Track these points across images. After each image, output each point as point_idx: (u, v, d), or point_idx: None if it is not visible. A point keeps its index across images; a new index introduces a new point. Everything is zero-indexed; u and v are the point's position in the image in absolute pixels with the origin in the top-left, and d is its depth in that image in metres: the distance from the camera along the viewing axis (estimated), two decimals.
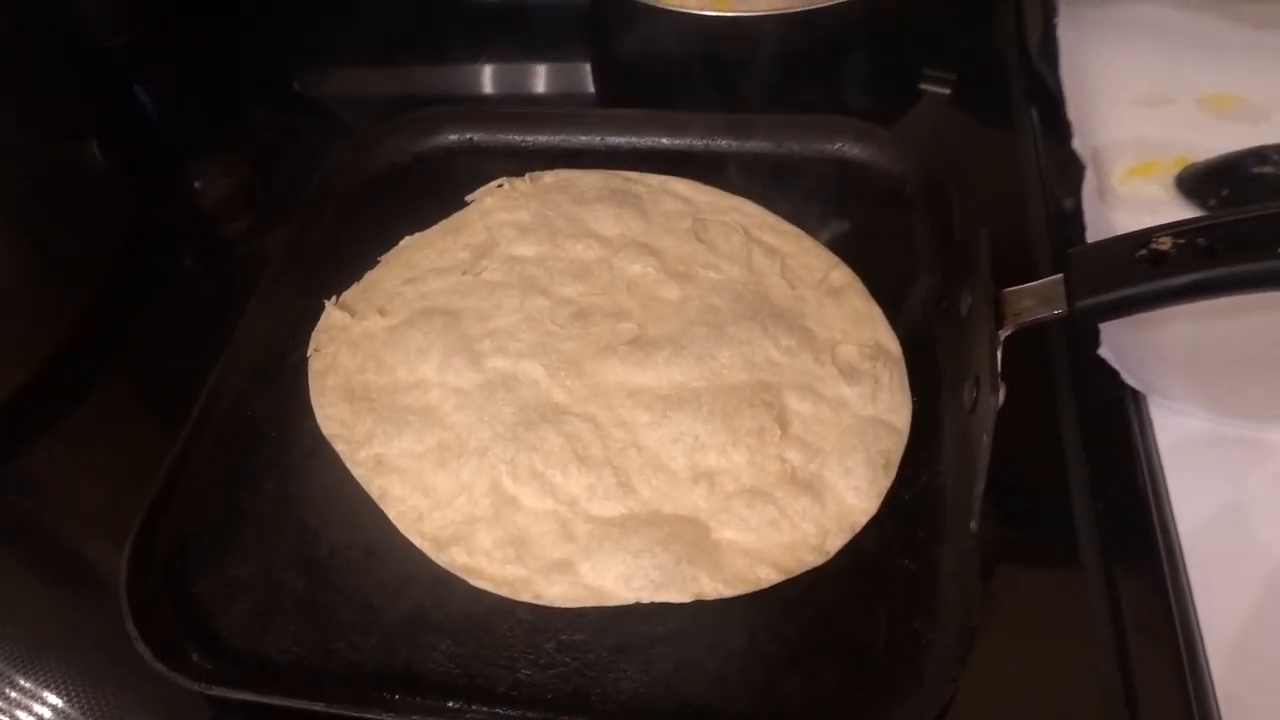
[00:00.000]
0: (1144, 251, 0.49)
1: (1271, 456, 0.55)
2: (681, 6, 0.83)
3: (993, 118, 0.82)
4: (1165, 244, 0.48)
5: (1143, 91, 0.77)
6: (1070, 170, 0.72)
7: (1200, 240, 0.47)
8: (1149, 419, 0.58)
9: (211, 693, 0.52)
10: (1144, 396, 0.58)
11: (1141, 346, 0.59)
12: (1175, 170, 0.72)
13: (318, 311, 0.70)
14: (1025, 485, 0.55)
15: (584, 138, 0.79)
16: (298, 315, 0.70)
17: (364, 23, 1.03)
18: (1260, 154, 0.66)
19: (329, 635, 0.54)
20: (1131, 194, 0.71)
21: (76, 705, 0.54)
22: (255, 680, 0.52)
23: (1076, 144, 0.73)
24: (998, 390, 0.49)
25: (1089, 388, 0.59)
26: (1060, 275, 0.52)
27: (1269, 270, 0.46)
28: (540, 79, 0.94)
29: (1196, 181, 0.70)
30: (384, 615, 0.55)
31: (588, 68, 0.95)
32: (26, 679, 0.56)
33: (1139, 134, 0.75)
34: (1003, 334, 0.52)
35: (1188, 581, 0.50)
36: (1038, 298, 0.52)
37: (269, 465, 0.62)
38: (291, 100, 1.01)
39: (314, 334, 0.69)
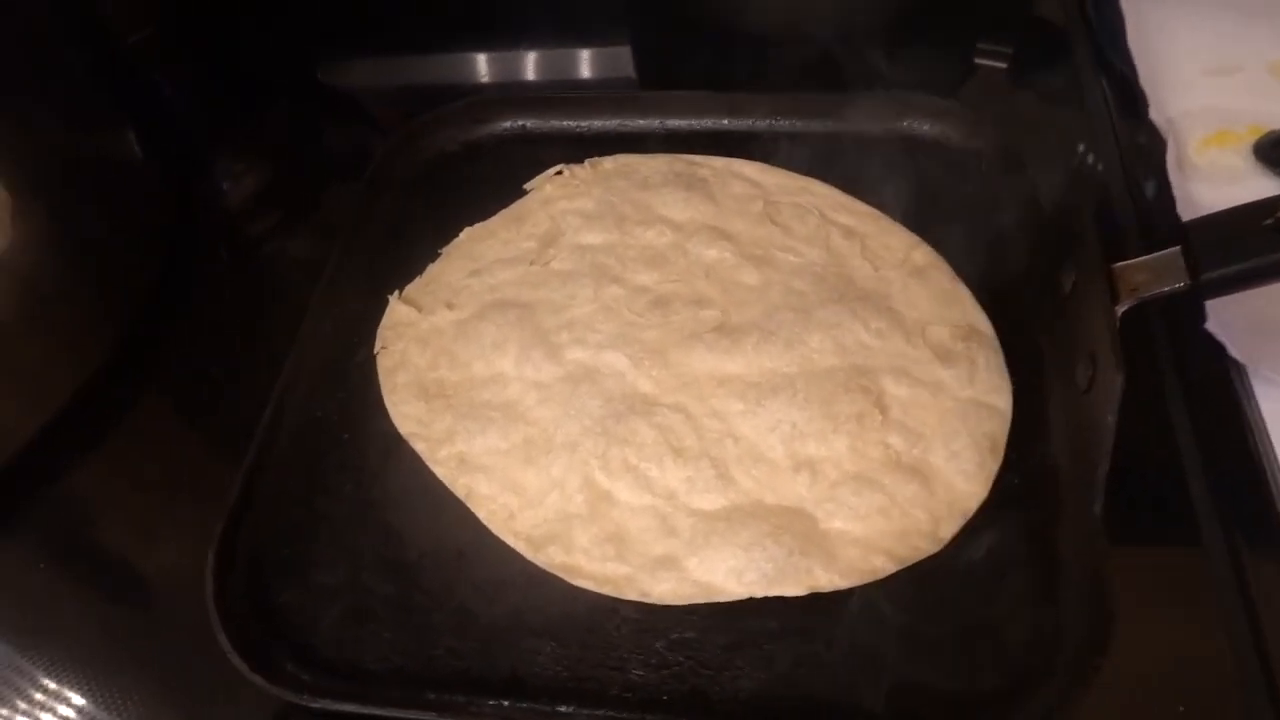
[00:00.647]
0: (1270, 220, 0.47)
1: None
2: None
3: (1054, 91, 0.80)
4: None
5: (1211, 60, 0.76)
6: (1145, 143, 0.70)
7: None
8: (1253, 393, 0.57)
9: (315, 705, 0.50)
10: (1245, 371, 0.57)
11: (1246, 320, 0.57)
12: (1251, 139, 0.70)
13: (380, 308, 0.68)
14: (1138, 466, 0.53)
15: (642, 121, 0.77)
16: (360, 313, 0.68)
17: (386, 12, 1.01)
18: None
19: (426, 642, 0.53)
20: (1209, 165, 0.70)
21: None
22: (358, 691, 0.51)
23: (1154, 115, 0.71)
24: (1121, 369, 0.47)
25: (1193, 364, 0.58)
26: (1177, 248, 0.51)
27: None
28: (581, 64, 0.92)
29: (1275, 149, 0.68)
30: (481, 619, 0.53)
31: (628, 51, 0.93)
32: (97, 703, 0.54)
33: (1210, 104, 0.73)
34: (1119, 310, 0.50)
35: None
36: (1154, 271, 0.51)
37: (344, 467, 0.60)
38: (315, 92, 0.98)
39: (379, 331, 0.66)
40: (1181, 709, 0.47)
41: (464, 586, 0.54)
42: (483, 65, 0.93)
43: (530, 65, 0.92)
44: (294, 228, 0.84)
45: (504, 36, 0.93)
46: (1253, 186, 0.68)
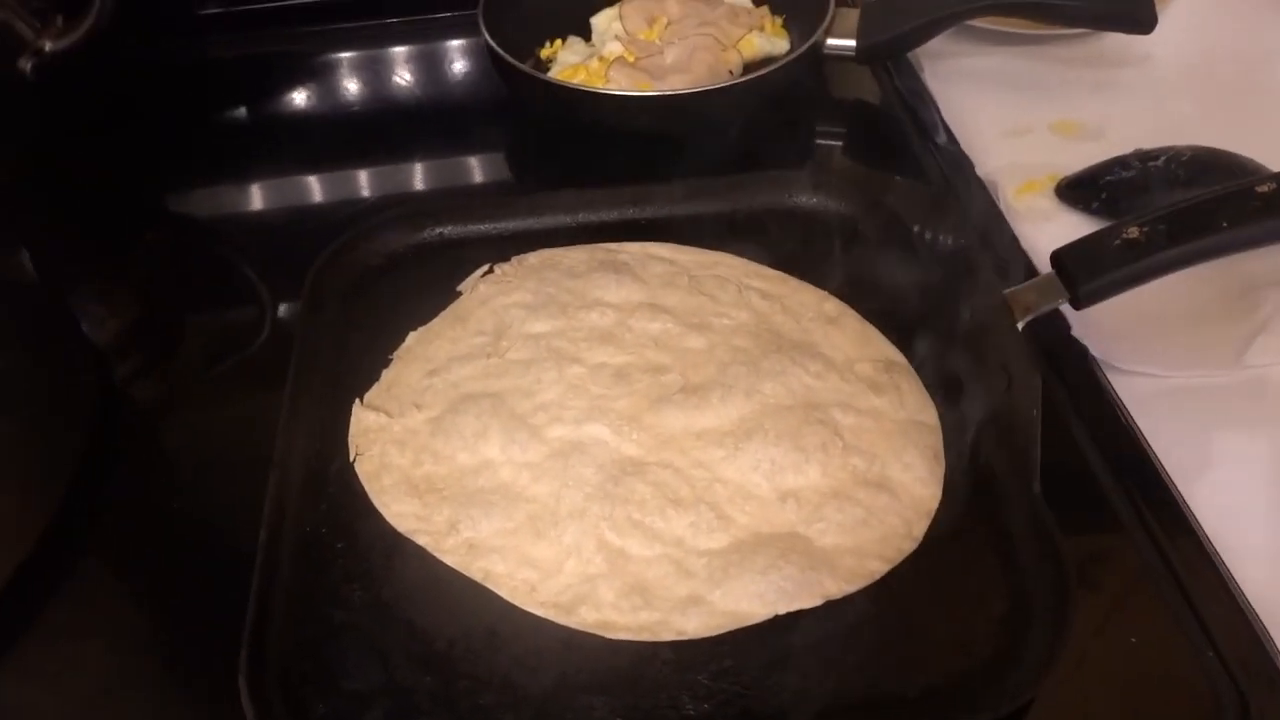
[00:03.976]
0: (1118, 240, 0.60)
1: (1221, 394, 0.69)
2: (605, 89, 0.90)
3: (887, 162, 0.94)
4: (1134, 233, 0.60)
5: (1007, 125, 0.93)
6: (976, 195, 0.85)
7: (1161, 227, 0.60)
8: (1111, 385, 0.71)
9: None
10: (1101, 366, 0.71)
11: (1099, 327, 0.71)
12: (1051, 185, 0.87)
13: (342, 418, 0.69)
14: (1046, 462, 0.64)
15: (552, 218, 0.83)
16: (324, 425, 0.69)
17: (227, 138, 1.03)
18: (1122, 161, 0.82)
19: None
20: (1025, 208, 0.85)
21: None
22: None
23: (979, 171, 0.86)
24: (1038, 370, 0.59)
25: (1068, 369, 0.70)
26: (1051, 272, 0.63)
27: (1218, 242, 0.59)
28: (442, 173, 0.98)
29: (1073, 191, 0.85)
30: (530, 689, 0.56)
31: (503, 157, 1.00)
32: None
33: (1014, 160, 0.90)
34: (1020, 326, 0.62)
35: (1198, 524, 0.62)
36: (1039, 292, 0.63)
37: (348, 576, 0.61)
38: (177, 224, 0.98)
39: (350, 439, 0.68)
40: (1133, 640, 0.57)
41: (504, 662, 0.57)
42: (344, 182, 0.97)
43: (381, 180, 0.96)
44: (163, 365, 0.83)
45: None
46: (1063, 221, 0.83)
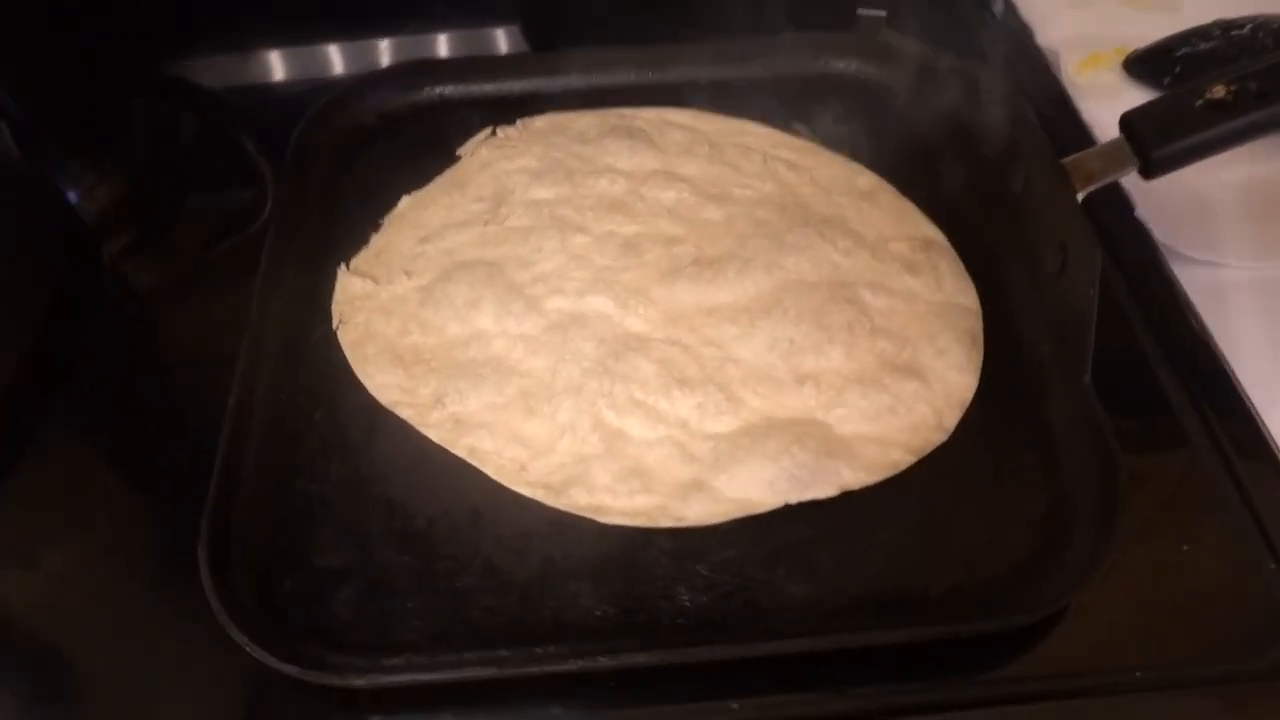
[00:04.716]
0: (1201, 102, 0.53)
1: None
2: None
3: (936, 33, 0.85)
4: (1220, 92, 0.52)
5: None
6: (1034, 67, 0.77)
7: (1252, 85, 0.52)
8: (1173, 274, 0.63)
9: (357, 684, 0.46)
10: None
11: (1163, 209, 0.64)
12: (1119, 59, 0.78)
13: (326, 285, 0.64)
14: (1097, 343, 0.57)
15: (563, 80, 0.76)
16: (307, 291, 0.64)
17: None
18: (1203, 32, 0.73)
19: (460, 605, 0.50)
20: (1089, 84, 0.77)
21: None
22: (395, 664, 0.48)
23: (1040, 40, 0.78)
24: (1096, 245, 0.52)
25: (1127, 250, 0.63)
26: (1120, 136, 0.55)
27: None
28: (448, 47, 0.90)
29: (1143, 65, 0.76)
30: (513, 573, 0.51)
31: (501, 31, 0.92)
32: None
33: (1079, 33, 0.81)
34: (1080, 197, 0.55)
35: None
36: (1105, 159, 0.55)
37: (325, 449, 0.57)
38: (169, 89, 0.91)
39: (334, 306, 0.63)
40: (1185, 548, 0.51)
41: (487, 544, 0.52)
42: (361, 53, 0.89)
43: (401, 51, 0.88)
44: (158, 237, 0.78)
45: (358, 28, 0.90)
46: (1130, 98, 0.73)
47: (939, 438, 0.55)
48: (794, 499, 0.52)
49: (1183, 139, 0.52)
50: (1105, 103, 0.75)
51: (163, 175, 0.82)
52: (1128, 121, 0.55)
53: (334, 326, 0.62)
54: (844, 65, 0.75)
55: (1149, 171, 0.54)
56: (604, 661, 0.46)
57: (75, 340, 0.66)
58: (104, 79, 0.89)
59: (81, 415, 0.62)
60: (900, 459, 0.53)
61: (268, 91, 0.88)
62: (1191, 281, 0.62)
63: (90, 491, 0.59)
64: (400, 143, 0.74)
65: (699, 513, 0.52)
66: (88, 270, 0.73)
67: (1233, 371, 0.58)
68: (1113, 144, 0.56)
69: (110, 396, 0.63)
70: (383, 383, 0.59)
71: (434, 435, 0.56)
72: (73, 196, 0.81)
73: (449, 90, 0.76)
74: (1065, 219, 0.55)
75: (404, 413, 0.57)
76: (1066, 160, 0.57)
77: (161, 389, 0.64)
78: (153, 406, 0.62)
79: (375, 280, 0.63)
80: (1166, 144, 0.53)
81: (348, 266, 0.65)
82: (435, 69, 0.76)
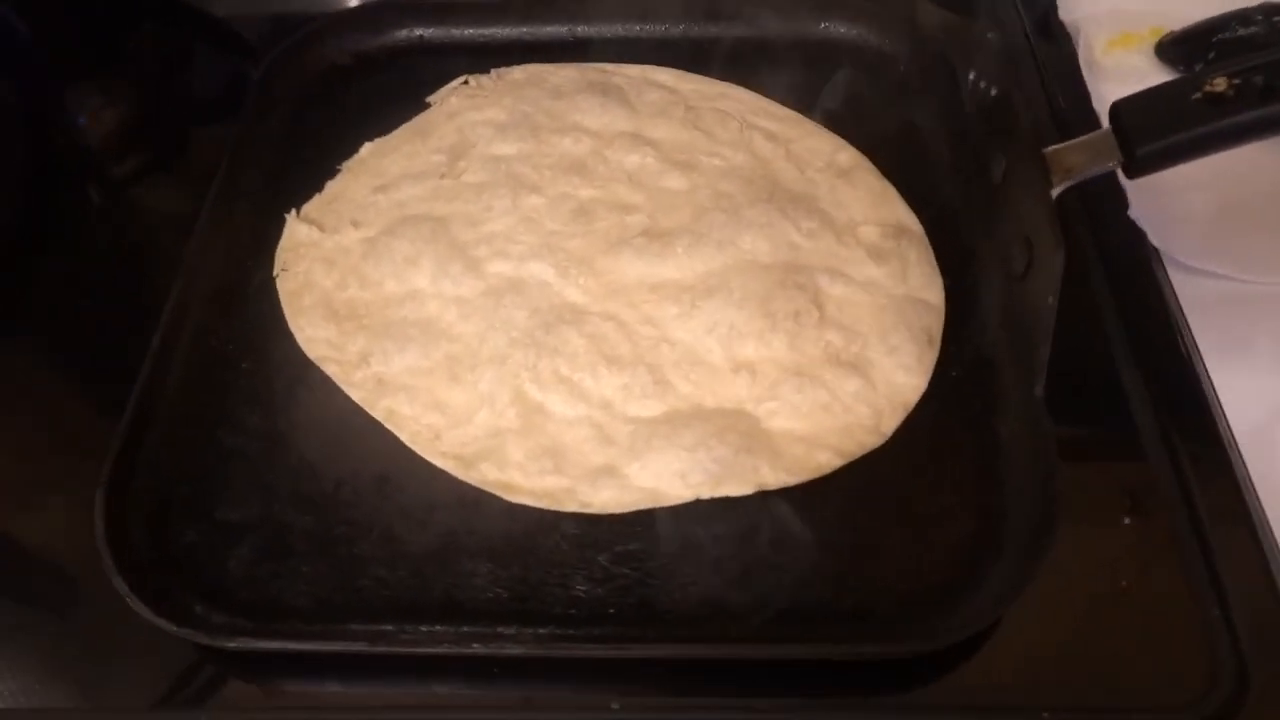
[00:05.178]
0: (1199, 94, 0.47)
1: None
2: None
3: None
4: (1221, 85, 0.47)
5: None
6: (1053, 43, 0.71)
7: (1257, 79, 0.46)
8: (1169, 279, 0.58)
9: (230, 646, 0.46)
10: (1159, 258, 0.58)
11: (1163, 210, 0.58)
12: (1152, 40, 0.71)
13: (276, 229, 0.62)
14: (1069, 355, 0.53)
15: (549, 29, 0.73)
16: (255, 234, 0.62)
17: None
18: (1243, 16, 0.66)
19: (351, 573, 0.49)
20: (1115, 65, 0.71)
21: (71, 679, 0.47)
22: (275, 628, 0.47)
23: (1062, 15, 0.71)
24: (1061, 246, 0.47)
25: (1114, 251, 0.58)
26: (1107, 128, 0.50)
27: None
28: None
29: (1177, 48, 0.70)
30: (411, 545, 0.50)
31: None
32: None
33: (1112, 7, 0.74)
34: (1054, 192, 0.50)
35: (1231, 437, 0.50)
36: (1088, 152, 0.50)
37: (248, 399, 0.55)
38: (179, 15, 0.90)
39: (278, 252, 0.61)
40: (1124, 583, 0.47)
41: (390, 513, 0.51)
42: None
43: None
44: (165, 164, 0.77)
45: None
46: (1154, 84, 0.68)
47: (873, 442, 0.51)
48: (706, 494, 0.49)
49: (1171, 135, 0.47)
50: (1128, 87, 0.67)
51: (171, 101, 0.81)
52: (1116, 110, 0.50)
53: (274, 274, 0.60)
54: (842, 29, 0.70)
55: (1132, 170, 0.49)
56: (478, 649, 0.45)
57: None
58: (113, 3, 0.88)
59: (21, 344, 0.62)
60: (827, 461, 0.50)
61: (281, 20, 0.86)
62: (1188, 291, 0.57)
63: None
64: (373, 85, 0.71)
65: (606, 500, 0.49)
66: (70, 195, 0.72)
67: (1214, 393, 0.53)
68: (1098, 136, 0.51)
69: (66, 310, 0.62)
70: (312, 336, 0.57)
71: (355, 395, 0.55)
72: (81, 120, 0.81)
73: (429, 32, 0.73)
74: (1034, 215, 0.50)
75: (329, 369, 0.56)
76: (1047, 150, 0.52)
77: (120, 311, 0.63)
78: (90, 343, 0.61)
79: (322, 228, 0.62)
80: (1153, 139, 0.48)
81: (298, 212, 0.63)
82: (415, 6, 0.73)
